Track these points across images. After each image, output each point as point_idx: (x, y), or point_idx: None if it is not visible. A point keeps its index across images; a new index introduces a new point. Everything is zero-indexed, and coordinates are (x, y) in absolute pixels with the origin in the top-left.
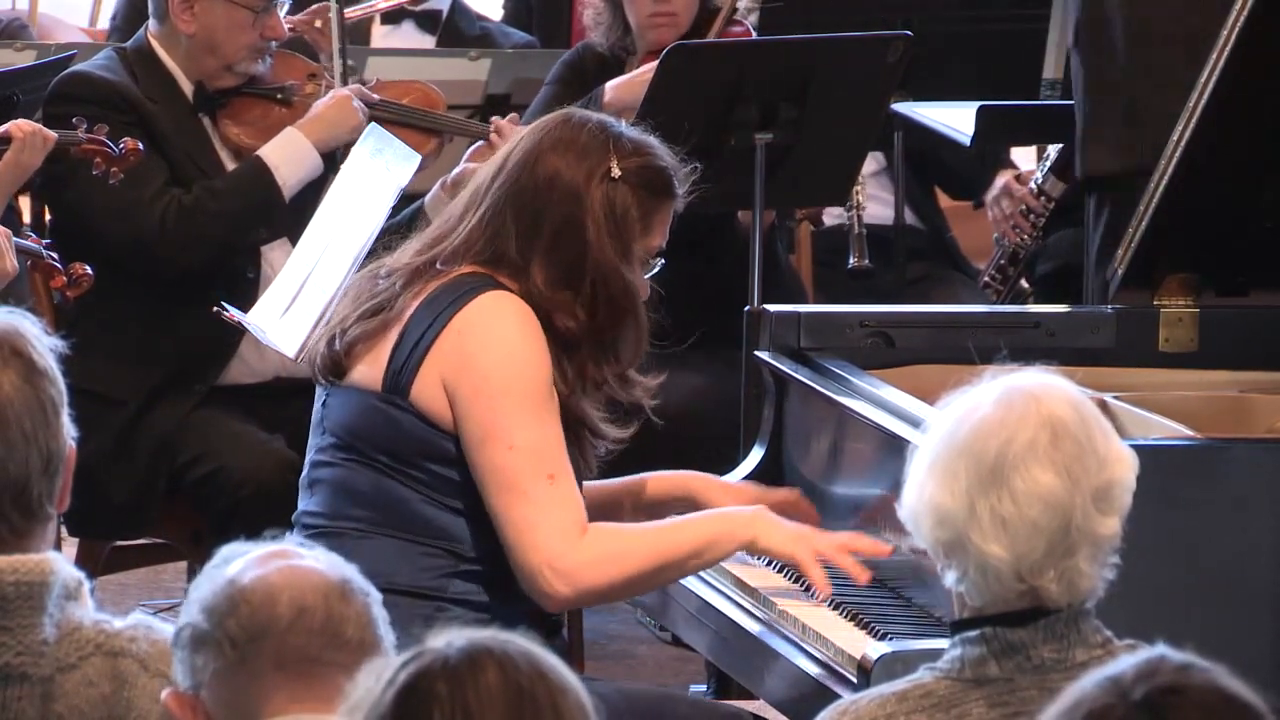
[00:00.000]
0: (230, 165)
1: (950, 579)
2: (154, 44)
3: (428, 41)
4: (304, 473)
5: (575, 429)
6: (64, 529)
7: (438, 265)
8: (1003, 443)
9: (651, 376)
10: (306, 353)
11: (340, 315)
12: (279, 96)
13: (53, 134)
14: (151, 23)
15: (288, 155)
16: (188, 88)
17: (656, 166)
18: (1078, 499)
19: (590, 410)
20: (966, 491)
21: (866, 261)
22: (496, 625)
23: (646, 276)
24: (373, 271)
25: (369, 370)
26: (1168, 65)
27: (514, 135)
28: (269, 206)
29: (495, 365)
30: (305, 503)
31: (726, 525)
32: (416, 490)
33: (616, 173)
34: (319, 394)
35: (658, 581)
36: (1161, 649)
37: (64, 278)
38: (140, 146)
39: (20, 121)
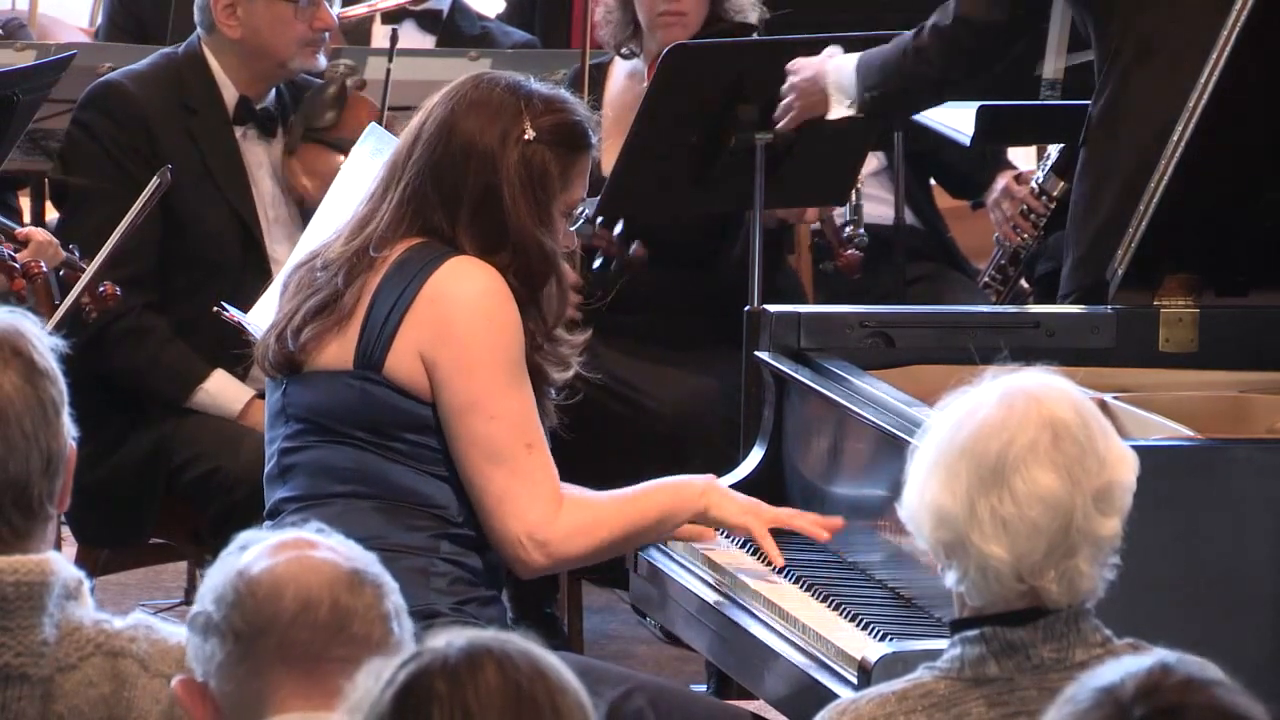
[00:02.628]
0: (259, 186)
1: (950, 579)
2: (206, 51)
3: (428, 41)
4: (270, 465)
5: (534, 382)
6: (69, 529)
7: (370, 252)
8: (1004, 444)
9: (577, 334)
10: (256, 349)
11: (285, 311)
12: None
13: (63, 253)
14: (200, 32)
15: (222, 389)
16: (231, 99)
17: (570, 122)
18: (1078, 500)
19: (542, 362)
20: (967, 492)
21: (862, 232)
22: (484, 585)
23: (572, 228)
24: (309, 264)
25: (336, 353)
26: None
27: (425, 103)
28: (174, 395)
29: (474, 334)
30: (281, 491)
31: (683, 494)
32: (399, 461)
33: (530, 134)
34: (273, 386)
35: (623, 549)
36: (1163, 657)
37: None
38: (117, 292)
39: (37, 231)
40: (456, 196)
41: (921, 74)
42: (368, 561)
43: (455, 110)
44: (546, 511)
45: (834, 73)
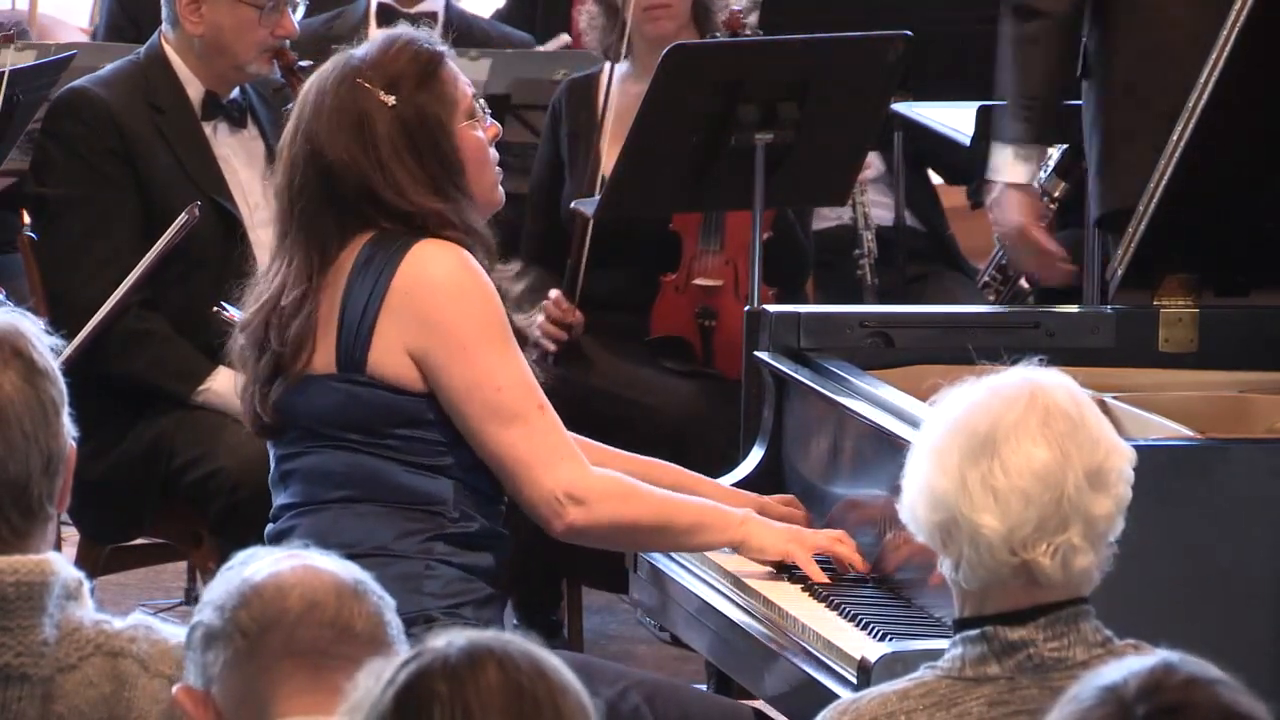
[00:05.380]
0: (236, 176)
1: (947, 567)
2: (167, 49)
3: None
4: (272, 471)
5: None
6: (69, 528)
7: (282, 303)
8: (995, 419)
9: (509, 264)
10: (242, 413)
11: (249, 379)
12: None
13: None
14: (165, 27)
15: (230, 388)
16: (196, 95)
17: (411, 54)
18: (1069, 473)
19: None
20: (958, 467)
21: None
22: (484, 582)
23: (489, 122)
24: (237, 339)
25: (318, 361)
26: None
27: (286, 131)
28: (180, 394)
29: (456, 314)
30: (281, 497)
31: (721, 519)
32: (392, 460)
33: (390, 100)
34: None
35: (651, 542)
36: (1166, 656)
37: None
38: None
39: None
40: (353, 206)
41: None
42: (365, 575)
43: (309, 129)
44: (575, 466)
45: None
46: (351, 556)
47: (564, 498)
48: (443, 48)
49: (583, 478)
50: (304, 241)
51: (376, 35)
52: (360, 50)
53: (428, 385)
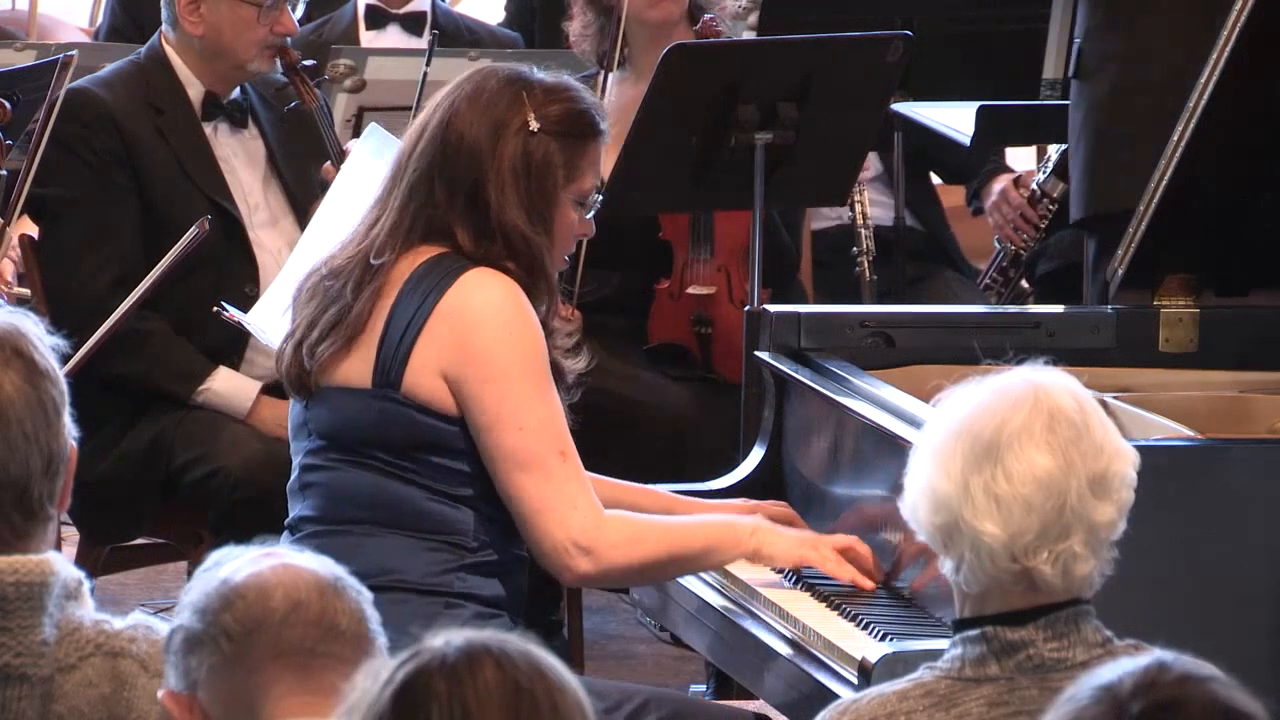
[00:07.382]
0: (235, 176)
1: (948, 568)
2: (167, 49)
3: (413, 43)
4: (293, 478)
5: (555, 381)
6: (69, 527)
7: (372, 260)
8: (998, 424)
9: (566, 313)
10: (276, 358)
11: (301, 321)
12: None
13: None
14: (165, 27)
15: (230, 389)
16: (197, 95)
17: (576, 110)
18: (1073, 481)
19: (555, 355)
20: (961, 471)
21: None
22: (503, 615)
23: (588, 216)
24: (318, 273)
25: (353, 370)
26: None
27: (432, 99)
28: (180, 395)
29: (495, 346)
30: (299, 508)
31: (731, 534)
32: (416, 485)
33: (534, 125)
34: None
35: (665, 574)
36: (1160, 655)
37: None
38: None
39: None
40: (451, 191)
41: None
42: (342, 570)
43: (454, 105)
44: (588, 517)
45: None
46: (368, 588)
47: (573, 548)
48: (604, 132)
49: (594, 526)
50: (402, 204)
51: (566, 77)
52: (543, 73)
53: (459, 411)
